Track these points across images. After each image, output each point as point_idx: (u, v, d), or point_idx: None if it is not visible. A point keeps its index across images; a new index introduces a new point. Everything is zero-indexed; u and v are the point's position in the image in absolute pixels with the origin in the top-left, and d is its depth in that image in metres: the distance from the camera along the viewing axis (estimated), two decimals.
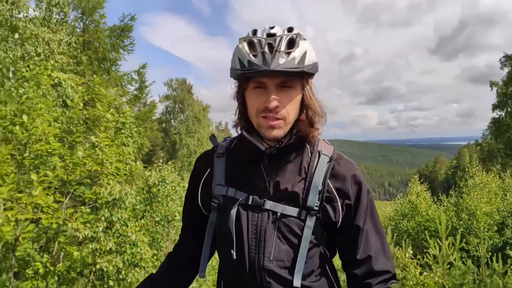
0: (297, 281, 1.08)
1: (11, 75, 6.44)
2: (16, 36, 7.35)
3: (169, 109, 37.20)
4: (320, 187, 1.11)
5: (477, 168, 15.37)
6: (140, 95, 15.83)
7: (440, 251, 5.98)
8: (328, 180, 1.13)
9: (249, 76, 1.05)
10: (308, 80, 1.13)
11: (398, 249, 6.56)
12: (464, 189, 14.84)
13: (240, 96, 1.14)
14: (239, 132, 1.19)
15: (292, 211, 1.10)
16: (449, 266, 6.10)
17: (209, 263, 1.35)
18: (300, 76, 1.09)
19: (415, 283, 5.28)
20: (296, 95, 1.10)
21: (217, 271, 1.32)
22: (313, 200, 1.10)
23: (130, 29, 14.36)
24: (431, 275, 5.30)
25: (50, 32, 9.39)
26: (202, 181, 1.25)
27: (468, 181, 14.97)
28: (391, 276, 1.15)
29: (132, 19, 14.40)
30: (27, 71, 5.01)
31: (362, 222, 1.15)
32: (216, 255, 1.30)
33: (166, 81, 37.22)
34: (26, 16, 8.09)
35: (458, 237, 6.04)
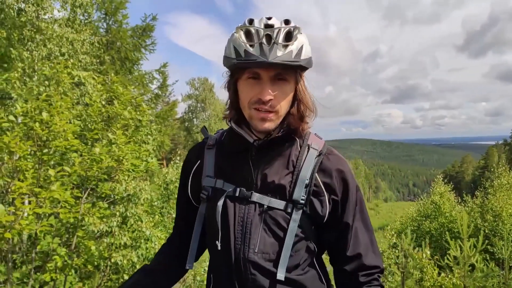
0: (280, 274, 1.07)
1: (35, 75, 6.66)
2: (41, 37, 7.59)
3: (191, 108, 37.67)
4: (307, 181, 1.11)
5: (504, 168, 14.89)
6: (162, 93, 16.07)
7: (461, 253, 5.84)
8: (316, 174, 1.13)
9: (245, 66, 1.03)
10: (302, 74, 1.12)
11: (418, 250, 6.44)
12: (489, 190, 14.40)
13: (232, 85, 1.13)
14: (229, 125, 1.18)
15: (279, 203, 1.10)
16: (470, 267, 5.94)
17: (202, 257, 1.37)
18: (295, 70, 1.08)
19: (432, 284, 5.18)
20: (289, 89, 1.09)
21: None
22: (300, 194, 1.09)
23: (151, 29, 14.60)
24: (449, 276, 5.19)
25: (74, 32, 9.64)
26: (192, 173, 1.26)
27: (494, 182, 14.52)
28: (380, 271, 1.15)
29: (153, 19, 14.65)
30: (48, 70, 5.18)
31: (351, 219, 1.14)
32: None
33: (188, 80, 37.75)
34: (51, 17, 8.33)
35: (481, 238, 5.88)
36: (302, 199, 1.09)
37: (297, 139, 1.17)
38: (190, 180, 1.27)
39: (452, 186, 16.26)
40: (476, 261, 5.59)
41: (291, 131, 1.14)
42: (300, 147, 1.16)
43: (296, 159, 1.14)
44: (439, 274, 5.51)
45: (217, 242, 1.12)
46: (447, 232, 8.28)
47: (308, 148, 1.15)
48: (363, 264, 1.13)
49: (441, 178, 15.72)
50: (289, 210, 1.09)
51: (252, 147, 1.12)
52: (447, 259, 5.80)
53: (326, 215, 1.14)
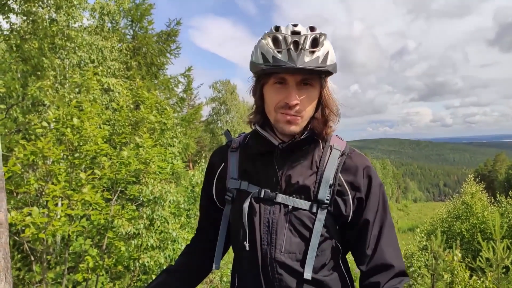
0: (307, 273, 1.09)
1: (67, 83, 6.92)
2: (71, 45, 7.86)
3: (215, 110, 37.99)
4: (331, 181, 1.12)
5: None
6: (187, 97, 16.30)
7: (494, 254, 5.63)
8: (340, 174, 1.14)
9: (273, 71, 1.06)
10: (326, 79, 1.14)
11: (448, 252, 6.26)
12: None
13: (258, 91, 1.16)
14: (253, 128, 1.21)
15: (303, 204, 1.12)
16: (504, 270, 5.72)
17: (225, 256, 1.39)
18: (320, 75, 1.10)
19: (463, 287, 5.02)
20: (315, 94, 1.12)
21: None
22: (324, 194, 1.11)
23: (176, 34, 14.85)
24: (482, 279, 5.02)
25: (103, 39, 9.95)
26: (216, 175, 1.29)
27: None
28: (399, 272, 1.12)
29: (178, 23, 14.91)
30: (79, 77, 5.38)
31: (372, 216, 1.15)
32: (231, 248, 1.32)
33: (211, 83, 38.06)
34: (81, 26, 8.61)
35: None
36: (327, 199, 1.11)
37: (320, 141, 1.19)
38: (214, 183, 1.30)
39: (485, 185, 15.68)
40: (511, 263, 5.38)
41: (315, 134, 1.16)
42: (323, 148, 1.18)
43: (319, 160, 1.16)
44: (470, 276, 5.34)
45: (245, 243, 1.14)
46: (479, 234, 8.02)
47: (331, 149, 1.18)
48: (381, 263, 1.12)
49: (473, 178, 15.18)
50: (314, 210, 1.11)
51: (276, 150, 1.15)
52: (479, 261, 5.61)
53: (350, 214, 1.15)
